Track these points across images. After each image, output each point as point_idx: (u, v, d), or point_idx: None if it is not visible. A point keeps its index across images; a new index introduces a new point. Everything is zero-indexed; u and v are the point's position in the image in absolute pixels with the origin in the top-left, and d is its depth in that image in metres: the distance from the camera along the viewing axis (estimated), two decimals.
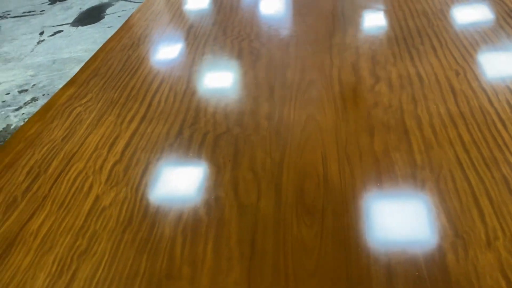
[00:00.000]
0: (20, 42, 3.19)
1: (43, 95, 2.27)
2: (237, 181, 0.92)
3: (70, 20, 3.76)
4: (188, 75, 1.33)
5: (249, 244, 0.78)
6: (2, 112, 2.27)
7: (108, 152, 1.06)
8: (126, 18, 3.67)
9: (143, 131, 1.12)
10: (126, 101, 1.26)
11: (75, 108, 1.26)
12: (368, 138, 0.97)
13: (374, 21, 1.50)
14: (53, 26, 3.61)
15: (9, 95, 2.30)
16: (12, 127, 2.13)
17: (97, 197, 0.93)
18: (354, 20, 1.52)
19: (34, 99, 2.26)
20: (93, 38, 3.32)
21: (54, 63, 2.55)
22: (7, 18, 4.06)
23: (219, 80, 1.30)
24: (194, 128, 1.10)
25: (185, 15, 1.78)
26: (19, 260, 0.81)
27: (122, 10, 4.03)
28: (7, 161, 1.09)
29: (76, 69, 2.40)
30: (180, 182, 0.94)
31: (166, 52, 1.51)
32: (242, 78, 1.27)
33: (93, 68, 1.47)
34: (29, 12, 4.13)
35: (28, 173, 1.03)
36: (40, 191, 0.97)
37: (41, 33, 3.39)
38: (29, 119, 1.25)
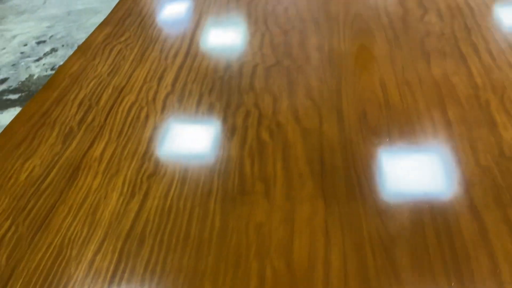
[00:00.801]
0: None
1: (63, 45, 2.24)
2: (296, 108, 0.92)
3: None
4: (226, 10, 1.31)
5: (318, 162, 0.79)
6: (23, 63, 2.25)
7: (158, 84, 1.06)
8: None
9: (190, 65, 1.11)
10: (166, 37, 1.24)
11: (115, 46, 1.25)
12: (425, 64, 0.96)
13: None
14: None
15: (27, 46, 2.27)
16: (34, 77, 2.12)
17: (155, 126, 0.94)
18: None
19: (53, 50, 2.24)
20: None
21: (69, 14, 2.49)
22: None
23: (262, 15, 1.28)
24: (243, 61, 1.09)
25: None
26: (88, 183, 0.82)
27: None
28: (55, 96, 1.08)
29: (94, 19, 2.35)
30: (237, 110, 0.94)
31: None
32: (284, 13, 1.25)
33: (126, 8, 1.44)
34: None
35: (79, 106, 1.03)
36: (96, 122, 0.97)
37: None
38: (69, 57, 1.24)
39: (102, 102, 1.03)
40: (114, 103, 1.02)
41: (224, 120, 0.92)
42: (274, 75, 1.02)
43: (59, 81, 1.14)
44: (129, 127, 0.94)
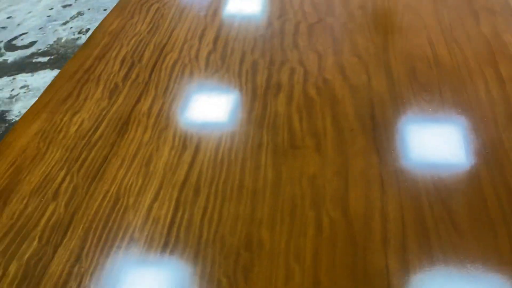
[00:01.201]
0: None
1: (88, 9, 2.24)
2: (342, 65, 0.91)
3: None
4: None
5: (369, 117, 0.79)
6: (50, 27, 2.26)
7: (200, 42, 1.06)
8: None
9: (230, 23, 1.10)
10: None
11: (152, 4, 1.24)
12: (473, 22, 0.94)
13: None
14: None
15: (53, 10, 2.27)
16: (62, 40, 2.13)
17: (200, 82, 0.94)
18: None
19: (80, 14, 2.23)
20: None
21: None
22: None
23: None
24: (284, 19, 1.08)
25: None
26: (138, 136, 0.84)
27: None
28: (96, 53, 1.09)
29: None
30: (282, 67, 0.94)
31: None
32: None
33: None
34: None
35: (122, 62, 1.04)
36: (140, 78, 0.98)
37: None
38: (107, 16, 1.24)
39: (144, 59, 1.04)
40: (157, 60, 1.03)
41: (269, 77, 0.92)
42: (318, 32, 1.01)
43: (98, 39, 1.14)
44: (174, 84, 0.95)
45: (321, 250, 0.61)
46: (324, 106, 0.83)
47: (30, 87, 1.86)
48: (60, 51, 2.09)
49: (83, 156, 0.81)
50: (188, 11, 1.18)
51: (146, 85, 0.96)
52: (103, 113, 0.90)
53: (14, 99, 1.80)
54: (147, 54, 1.05)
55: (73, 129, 0.88)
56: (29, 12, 2.38)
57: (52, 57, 2.05)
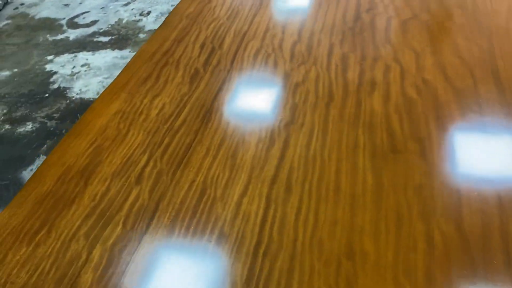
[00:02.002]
0: None
1: None
2: (443, 66, 0.84)
3: None
4: None
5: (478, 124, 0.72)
6: (111, 7, 2.26)
7: (283, 32, 1.01)
8: None
9: (315, 14, 1.05)
10: None
11: None
12: None
13: None
14: None
15: None
16: (124, 21, 2.13)
17: (285, 74, 0.89)
18: None
19: None
20: None
21: None
22: None
23: None
24: (373, 13, 1.01)
25: None
26: (222, 126, 0.80)
27: None
28: (174, 36, 1.06)
29: None
30: (375, 63, 0.88)
31: None
32: None
33: None
34: None
35: (201, 47, 1.00)
36: (222, 65, 0.94)
37: None
38: None
39: (225, 46, 1.00)
40: (238, 48, 0.98)
41: (362, 73, 0.86)
42: (412, 29, 0.94)
43: (176, 22, 1.11)
44: (257, 73, 0.91)
45: (435, 268, 0.55)
46: (427, 108, 0.76)
47: (91, 65, 1.87)
48: (121, 32, 2.09)
49: (166, 141, 0.78)
50: None
51: (229, 72, 0.92)
52: (185, 98, 0.87)
53: (75, 77, 1.81)
54: (227, 41, 1.01)
55: (154, 112, 0.85)
56: None
57: (113, 37, 2.05)
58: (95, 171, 0.75)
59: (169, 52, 1.01)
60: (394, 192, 0.64)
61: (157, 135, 0.80)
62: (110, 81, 1.59)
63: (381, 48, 0.91)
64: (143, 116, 0.85)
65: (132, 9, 2.27)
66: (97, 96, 1.63)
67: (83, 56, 1.95)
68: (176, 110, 0.85)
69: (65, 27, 2.19)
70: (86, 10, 2.32)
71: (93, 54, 1.96)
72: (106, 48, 1.99)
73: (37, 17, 2.36)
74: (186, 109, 0.84)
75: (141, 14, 2.21)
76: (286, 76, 0.88)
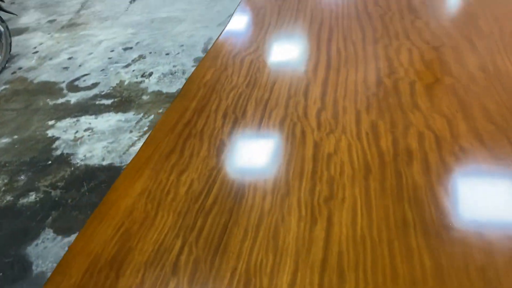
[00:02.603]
0: (111, 1, 3.16)
1: (150, 53, 2.24)
2: (478, 132, 0.82)
3: None
4: (359, 24, 1.24)
5: None
6: (112, 69, 2.27)
7: (306, 99, 0.99)
8: None
9: (335, 79, 1.04)
10: (300, 50, 1.18)
11: (245, 57, 1.20)
12: None
13: None
14: None
15: (114, 52, 2.29)
16: (125, 83, 2.12)
17: (316, 144, 0.87)
18: None
19: (141, 57, 2.24)
20: None
21: (152, 22, 2.50)
22: None
23: (402, 29, 1.20)
24: (395, 77, 1.01)
25: None
26: (258, 203, 0.76)
27: None
28: (194, 105, 1.04)
29: (179, 28, 2.32)
30: (407, 130, 0.86)
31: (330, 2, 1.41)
32: (426, 27, 1.17)
33: (245, 20, 1.40)
34: None
35: (224, 117, 0.98)
36: (247, 136, 0.92)
37: None
38: (199, 66, 1.20)
39: (248, 115, 0.98)
40: (262, 117, 0.96)
41: (395, 142, 0.84)
42: (438, 94, 0.93)
43: (194, 90, 1.10)
44: (286, 144, 0.88)
45: None
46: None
47: (94, 130, 1.83)
48: (123, 94, 2.08)
49: (199, 223, 0.74)
50: (286, 65, 1.13)
51: (255, 143, 0.89)
52: (214, 173, 0.83)
53: (78, 142, 1.77)
54: (250, 110, 0.99)
55: (182, 190, 0.81)
56: (90, 54, 2.41)
57: (115, 100, 2.04)
58: (125, 260, 0.69)
59: (191, 123, 0.98)
60: (457, 276, 0.60)
61: (188, 217, 0.75)
62: (115, 145, 1.56)
63: (410, 114, 0.89)
64: (171, 195, 0.80)
65: (133, 70, 2.28)
66: (103, 162, 1.59)
67: (86, 120, 1.92)
68: (206, 186, 0.81)
69: (65, 91, 2.18)
70: (86, 73, 2.33)
71: (96, 118, 1.94)
72: (109, 111, 1.97)
73: (35, 81, 2.35)
74: (216, 185, 0.81)
75: (142, 76, 2.22)
76: (317, 146, 0.86)
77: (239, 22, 1.40)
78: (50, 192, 1.50)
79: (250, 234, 0.70)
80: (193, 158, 0.88)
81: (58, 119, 1.89)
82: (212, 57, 1.22)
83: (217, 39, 1.32)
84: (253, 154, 0.86)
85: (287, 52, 1.19)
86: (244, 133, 0.93)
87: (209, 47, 2.29)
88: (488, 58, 1.01)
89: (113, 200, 0.81)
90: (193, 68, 2.06)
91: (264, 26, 1.34)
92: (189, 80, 1.15)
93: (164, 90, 1.91)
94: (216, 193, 0.79)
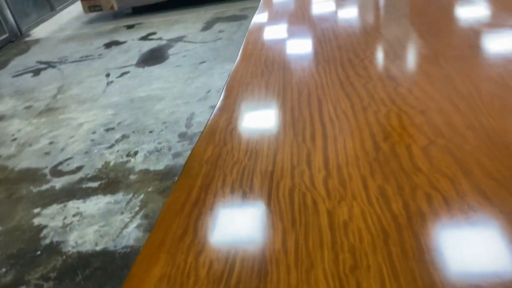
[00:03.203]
0: (88, 84, 3.22)
1: (133, 132, 2.26)
2: (481, 190, 0.87)
3: (133, 62, 3.81)
4: (345, 93, 1.32)
5: None
6: (95, 150, 2.26)
7: (309, 168, 1.02)
8: (191, 58, 3.68)
9: (333, 146, 1.09)
10: (294, 121, 1.23)
11: (242, 130, 1.24)
12: None
13: None
14: (117, 68, 3.65)
15: (96, 134, 2.30)
16: (111, 164, 2.11)
17: (329, 212, 0.88)
18: None
19: (124, 136, 2.25)
20: (164, 77, 3.29)
21: (132, 101, 2.54)
22: (66, 63, 4.13)
23: (386, 94, 1.28)
24: (390, 142, 1.06)
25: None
26: (283, 278, 0.75)
27: (185, 50, 4.05)
28: (199, 184, 1.05)
29: (159, 105, 2.38)
30: (414, 193, 0.89)
31: (320, 75, 1.50)
32: (409, 93, 1.25)
33: (236, 93, 1.46)
34: (87, 56, 4.21)
35: (232, 193, 0.99)
36: (259, 210, 0.92)
37: (107, 75, 3.43)
38: (197, 144, 1.23)
39: (256, 189, 0.99)
40: (270, 189, 0.98)
41: (405, 205, 0.87)
42: (436, 155, 0.99)
43: (196, 168, 1.11)
44: (300, 215, 0.89)
45: None
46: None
47: (83, 214, 1.79)
48: (110, 175, 2.06)
49: None
50: (283, 136, 1.17)
51: (269, 217, 0.90)
52: (232, 251, 0.83)
53: (68, 229, 1.71)
54: (256, 183, 1.01)
55: (202, 272, 0.80)
56: (71, 137, 2.41)
57: (102, 181, 2.01)
58: None
59: (199, 201, 0.99)
60: None
61: None
62: (107, 229, 1.52)
63: (413, 177, 0.93)
64: (192, 279, 0.79)
65: (118, 150, 2.28)
66: (96, 248, 1.54)
67: (74, 205, 1.88)
68: (227, 266, 0.80)
69: (49, 176, 2.15)
70: (69, 157, 2.31)
71: (84, 202, 1.91)
72: (97, 194, 1.94)
73: (16, 168, 2.31)
74: (237, 264, 0.80)
75: (128, 155, 2.22)
76: (330, 215, 0.88)
77: (230, 98, 1.45)
78: (42, 284, 1.42)
79: None
80: (208, 238, 0.88)
81: (44, 206, 1.84)
82: (210, 133, 1.25)
83: (211, 115, 1.36)
84: (268, 227, 0.87)
85: (283, 123, 1.24)
86: (255, 207, 0.93)
87: (193, 122, 2.34)
88: (473, 117, 1.08)
89: None
90: (179, 144, 2.08)
91: (254, 100, 1.39)
92: (190, 158, 1.16)
93: (152, 168, 1.92)
94: (239, 272, 0.78)
